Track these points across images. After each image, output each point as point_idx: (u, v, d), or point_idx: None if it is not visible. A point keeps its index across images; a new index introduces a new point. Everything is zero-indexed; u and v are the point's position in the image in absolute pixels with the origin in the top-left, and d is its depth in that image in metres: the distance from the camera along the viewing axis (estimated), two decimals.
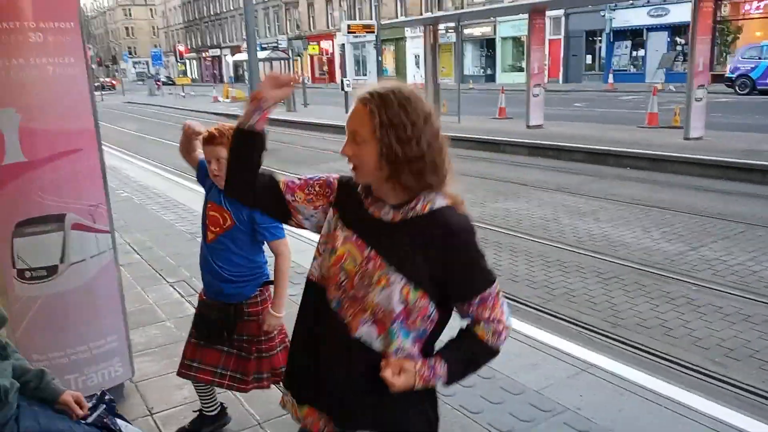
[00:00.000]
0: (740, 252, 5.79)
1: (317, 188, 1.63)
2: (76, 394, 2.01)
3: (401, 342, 1.49)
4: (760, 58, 21.01)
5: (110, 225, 2.98)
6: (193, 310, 4.38)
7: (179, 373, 2.75)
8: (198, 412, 2.92)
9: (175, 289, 4.88)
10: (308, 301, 1.63)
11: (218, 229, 2.60)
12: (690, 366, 3.76)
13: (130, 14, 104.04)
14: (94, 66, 59.48)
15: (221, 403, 2.92)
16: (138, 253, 5.85)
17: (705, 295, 4.83)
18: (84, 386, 2.95)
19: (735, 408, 3.03)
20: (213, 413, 2.89)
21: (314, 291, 1.59)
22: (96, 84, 53.58)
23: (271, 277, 2.69)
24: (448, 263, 1.47)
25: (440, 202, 1.52)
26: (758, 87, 20.99)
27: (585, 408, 3.00)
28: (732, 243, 6.07)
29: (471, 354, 1.56)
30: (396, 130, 1.43)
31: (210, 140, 2.47)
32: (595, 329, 4.32)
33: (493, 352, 1.56)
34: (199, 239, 2.79)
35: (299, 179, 1.65)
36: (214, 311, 2.65)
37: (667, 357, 3.88)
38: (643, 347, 4.02)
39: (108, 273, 2.98)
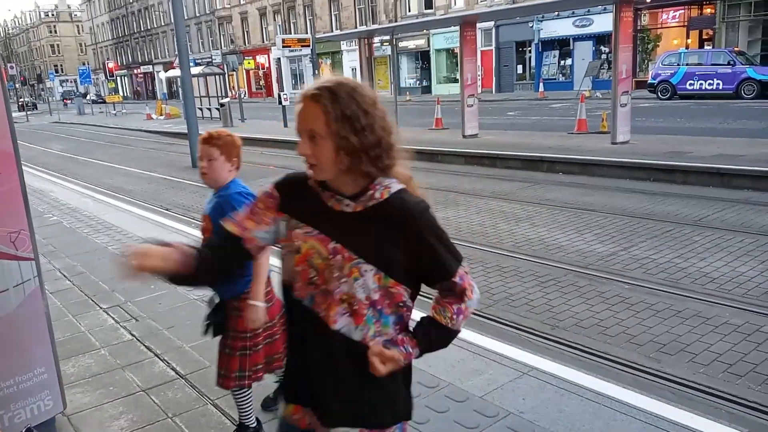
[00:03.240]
0: (668, 250, 6.04)
1: (260, 206, 1.62)
2: None
3: (381, 327, 1.55)
4: (678, 65, 22.12)
5: (34, 251, 2.84)
6: (129, 336, 4.25)
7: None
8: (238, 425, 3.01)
9: (109, 315, 4.70)
10: (287, 303, 1.69)
11: (207, 234, 2.73)
12: (626, 363, 3.88)
13: (56, 31, 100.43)
14: (17, 85, 57.00)
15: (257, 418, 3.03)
16: (69, 279, 5.61)
17: (637, 294, 5.01)
18: (11, 424, 2.80)
19: (669, 402, 3.14)
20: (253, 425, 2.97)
21: (287, 292, 1.65)
22: (19, 103, 51.43)
23: None
24: (415, 250, 1.51)
25: (396, 186, 1.55)
26: (678, 92, 22.07)
27: (528, 411, 3.05)
28: (660, 242, 6.33)
29: (438, 336, 1.62)
30: (351, 122, 1.46)
31: (207, 140, 2.66)
32: (535, 332, 4.41)
33: (454, 333, 1.62)
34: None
35: (243, 212, 1.66)
36: (210, 303, 2.82)
37: (604, 355, 3.99)
38: (581, 347, 4.13)
39: (33, 302, 2.84)
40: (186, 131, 14.93)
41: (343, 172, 1.51)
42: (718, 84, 21.04)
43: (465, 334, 3.99)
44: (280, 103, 22.32)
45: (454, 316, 1.58)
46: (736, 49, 22.54)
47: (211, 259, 1.62)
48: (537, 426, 2.93)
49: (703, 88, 21.42)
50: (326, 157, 1.48)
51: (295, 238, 1.57)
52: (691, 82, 21.66)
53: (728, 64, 20.90)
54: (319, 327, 1.55)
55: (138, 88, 71.99)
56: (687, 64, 21.90)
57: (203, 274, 1.61)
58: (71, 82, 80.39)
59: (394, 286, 1.53)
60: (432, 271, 1.56)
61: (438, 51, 37.52)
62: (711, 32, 25.77)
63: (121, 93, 59.48)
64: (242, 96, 31.80)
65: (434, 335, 1.60)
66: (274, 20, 49.09)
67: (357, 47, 18.90)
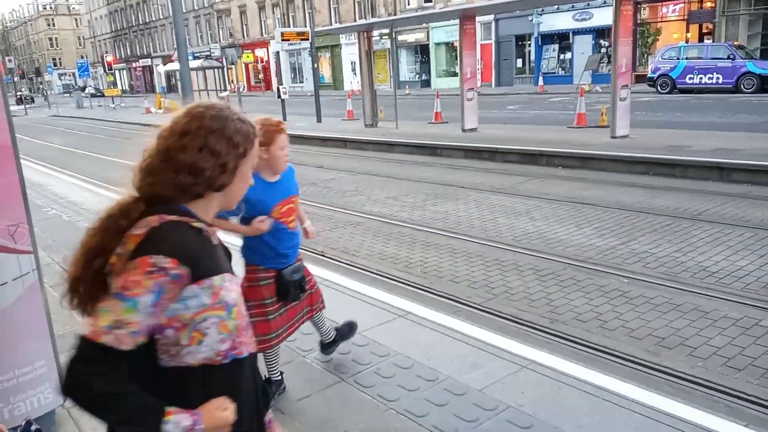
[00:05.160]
0: (667, 244, 6.04)
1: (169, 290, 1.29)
2: None
3: None
4: (678, 59, 22.06)
5: (33, 245, 2.84)
6: None
7: (267, 348, 3.17)
8: (266, 379, 3.28)
9: None
10: (235, 380, 1.42)
11: (295, 214, 3.24)
12: (625, 357, 3.89)
13: (54, 24, 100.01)
14: (15, 78, 56.84)
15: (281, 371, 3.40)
16: None
17: (636, 287, 5.02)
18: (11, 416, 2.80)
19: (667, 395, 3.15)
20: (278, 378, 3.35)
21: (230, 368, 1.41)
22: (17, 96, 51.27)
23: None
24: None
25: None
26: (678, 86, 22.03)
27: (527, 404, 3.06)
28: (659, 236, 6.33)
29: None
30: None
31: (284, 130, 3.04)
32: (534, 326, 4.41)
33: None
34: None
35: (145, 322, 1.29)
36: (296, 272, 3.20)
37: (603, 349, 4.00)
38: (580, 341, 4.13)
39: (32, 295, 2.83)
40: None
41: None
42: (717, 78, 21.00)
43: (464, 327, 4.01)
44: (279, 96, 22.24)
45: None
46: (735, 43, 22.48)
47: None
48: (536, 419, 2.94)
49: (703, 82, 21.38)
50: None
51: (224, 295, 1.37)
52: (691, 76, 21.62)
53: (728, 58, 20.85)
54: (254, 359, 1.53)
55: (132, 83, 71.84)
56: (687, 58, 21.84)
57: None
58: (70, 75, 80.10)
59: None
60: None
61: (437, 44, 37.42)
62: (711, 26, 25.71)
63: (119, 87, 59.35)
64: (241, 90, 31.72)
65: None
66: (273, 13, 48.93)
67: (356, 41, 18.82)
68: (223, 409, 1.33)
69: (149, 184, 1.39)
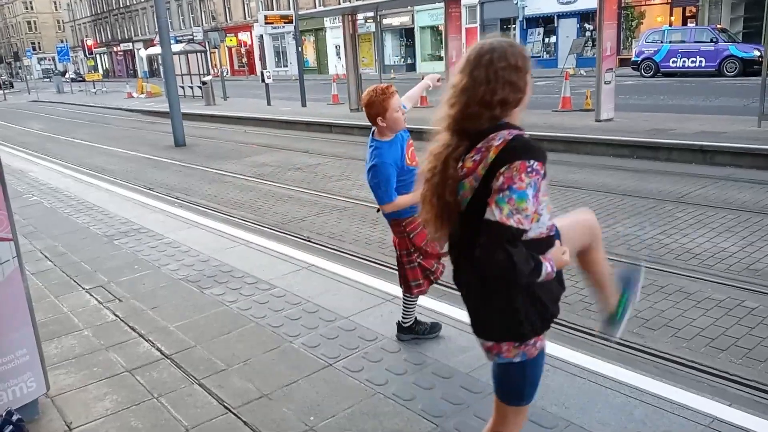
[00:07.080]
0: (651, 227, 6.09)
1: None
2: None
3: None
4: (662, 42, 22.14)
5: (13, 232, 2.78)
6: (112, 317, 4.20)
7: (421, 293, 3.52)
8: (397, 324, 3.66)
9: (92, 295, 4.65)
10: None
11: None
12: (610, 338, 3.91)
13: (32, 7, 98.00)
14: None
15: (416, 318, 3.65)
16: (50, 260, 5.53)
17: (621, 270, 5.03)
18: None
19: (652, 376, 3.18)
20: (407, 324, 3.61)
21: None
22: None
23: None
24: None
25: None
26: (661, 69, 22.13)
27: None
28: (644, 218, 6.38)
29: None
30: None
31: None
32: None
33: None
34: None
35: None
36: None
37: (589, 331, 4.02)
38: (565, 323, 4.15)
39: (13, 283, 2.79)
40: (168, 110, 14.73)
41: None
42: (700, 61, 21.11)
43: (451, 311, 4.01)
44: (263, 80, 22.04)
45: None
46: (718, 26, 22.59)
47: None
48: None
49: (686, 65, 21.49)
50: None
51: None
52: (674, 59, 21.72)
53: (711, 41, 20.96)
54: None
55: (108, 67, 70.65)
56: (670, 42, 21.93)
57: None
58: (49, 60, 78.72)
59: None
60: None
61: (422, 28, 37.22)
62: (694, 9, 25.80)
63: (100, 71, 58.40)
64: (224, 74, 31.40)
65: None
66: None
67: (341, 24, 18.66)
68: (562, 253, 1.85)
69: (470, 125, 1.79)
